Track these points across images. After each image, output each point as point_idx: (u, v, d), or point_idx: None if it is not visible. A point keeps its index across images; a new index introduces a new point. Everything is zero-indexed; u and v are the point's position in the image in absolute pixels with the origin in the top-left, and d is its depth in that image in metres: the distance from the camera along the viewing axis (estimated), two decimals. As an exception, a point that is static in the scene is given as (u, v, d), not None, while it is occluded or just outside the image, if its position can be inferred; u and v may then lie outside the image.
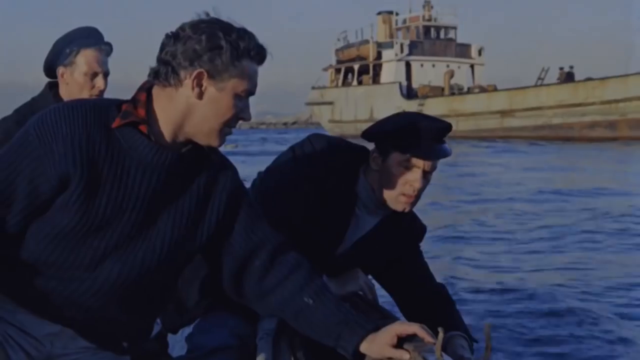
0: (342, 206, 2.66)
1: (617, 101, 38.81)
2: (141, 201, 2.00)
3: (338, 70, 56.43)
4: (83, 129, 1.93)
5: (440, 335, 1.99)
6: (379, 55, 52.84)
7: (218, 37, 1.94)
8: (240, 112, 2.02)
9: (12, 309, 2.03)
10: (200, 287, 2.52)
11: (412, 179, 2.55)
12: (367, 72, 53.34)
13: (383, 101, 49.24)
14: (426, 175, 2.58)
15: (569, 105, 40.53)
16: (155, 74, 1.99)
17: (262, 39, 2.09)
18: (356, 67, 54.18)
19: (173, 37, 1.97)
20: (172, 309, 2.54)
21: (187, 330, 2.54)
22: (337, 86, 55.76)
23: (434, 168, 2.59)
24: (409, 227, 2.82)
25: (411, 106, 46.00)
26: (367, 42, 53.58)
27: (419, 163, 2.54)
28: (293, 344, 2.41)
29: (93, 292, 2.01)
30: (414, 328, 2.11)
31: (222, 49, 1.94)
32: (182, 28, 1.98)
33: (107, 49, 3.24)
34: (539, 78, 46.35)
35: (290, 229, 2.41)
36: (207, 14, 2.02)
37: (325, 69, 58.29)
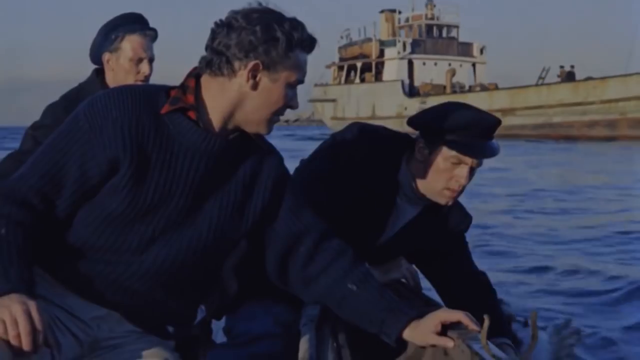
0: (383, 195, 2.62)
1: (616, 100, 38.92)
2: (189, 187, 2.00)
3: (341, 68, 56.35)
4: (132, 114, 1.94)
5: (486, 322, 1.95)
6: (381, 53, 52.79)
7: (273, 29, 1.93)
8: (290, 101, 2.03)
9: (61, 292, 2.02)
10: (244, 274, 2.50)
11: (459, 174, 2.52)
12: (370, 70, 53.41)
13: (385, 99, 49.54)
14: (472, 171, 2.54)
15: (569, 104, 40.61)
16: (208, 64, 1.98)
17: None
18: (359, 64, 54.18)
19: (226, 27, 1.95)
20: (216, 295, 2.53)
21: (231, 316, 2.52)
22: (339, 84, 55.73)
23: (480, 164, 2.55)
24: (452, 216, 2.77)
25: (413, 104, 46.09)
26: (369, 40, 53.59)
27: (468, 160, 2.50)
28: (335, 330, 2.41)
29: (139, 276, 2.01)
30: (458, 315, 2.09)
31: (278, 41, 1.93)
32: (234, 17, 1.96)
33: (152, 34, 3.24)
34: (540, 77, 46.42)
35: (331, 217, 2.35)
36: (259, 3, 2.00)
37: (328, 67, 58.28)
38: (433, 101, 46.08)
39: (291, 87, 2.02)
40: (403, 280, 2.82)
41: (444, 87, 48.97)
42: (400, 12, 55.74)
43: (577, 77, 43.40)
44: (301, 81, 2.04)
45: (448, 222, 2.75)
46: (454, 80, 49.42)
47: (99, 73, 3.29)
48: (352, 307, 2.15)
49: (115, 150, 1.92)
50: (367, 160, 2.58)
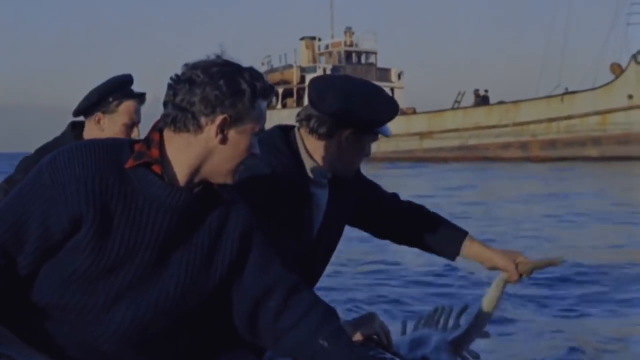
0: (303, 193, 2.61)
1: (528, 123, 40.29)
2: (154, 242, 1.95)
3: (263, 94, 56.48)
4: (96, 170, 1.89)
5: None
6: (302, 80, 53.12)
7: (237, 81, 1.93)
8: (253, 149, 2.01)
9: (28, 353, 1.93)
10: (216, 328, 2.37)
11: (368, 151, 2.66)
12: (291, 96, 53.78)
13: (307, 124, 49.86)
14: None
15: (484, 127, 41.74)
16: (172, 120, 1.94)
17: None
18: (280, 90, 54.21)
19: (187, 82, 1.92)
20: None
21: None
22: (261, 109, 55.83)
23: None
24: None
25: (334, 128, 46.62)
26: (290, 66, 54.19)
27: (376, 138, 2.65)
28: None
29: (107, 337, 1.95)
30: None
31: (244, 93, 1.93)
32: (194, 72, 1.92)
33: (143, 99, 3.25)
34: (456, 101, 47.53)
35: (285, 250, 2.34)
36: (217, 56, 1.98)
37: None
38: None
39: (255, 135, 2.00)
40: (375, 337, 2.77)
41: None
42: (320, 39, 56.49)
43: (491, 100, 44.76)
44: (262, 129, 2.04)
45: (353, 178, 2.80)
46: (374, 105, 50.07)
47: (75, 127, 3.28)
48: None
49: (78, 207, 1.86)
50: (278, 169, 2.54)
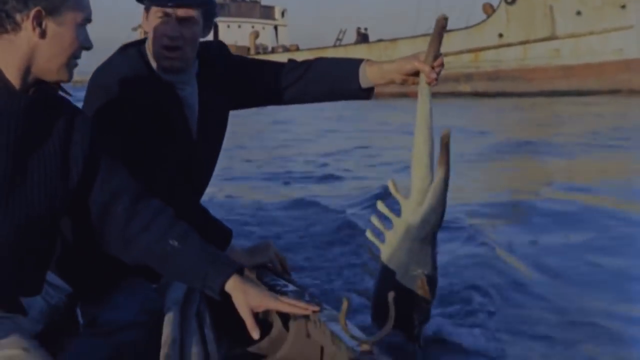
0: (167, 101, 2.55)
1: (406, 60, 41.20)
2: (5, 149, 1.88)
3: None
4: None
5: (345, 304, 1.93)
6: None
7: None
8: (83, 41, 1.95)
9: None
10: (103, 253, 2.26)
11: (164, 30, 2.48)
12: (175, 32, 53.07)
13: (191, 60, 49.51)
14: (184, 23, 2.48)
15: (364, 64, 42.43)
16: None
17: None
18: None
19: None
20: (80, 278, 2.43)
21: (96, 302, 2.39)
22: (146, 45, 54.99)
23: (188, 15, 2.48)
24: (213, 50, 2.72)
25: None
26: (174, 2, 53.31)
27: (169, 11, 2.48)
28: (199, 310, 2.35)
29: None
30: (280, 305, 2.11)
31: None
32: None
33: None
34: (337, 39, 48.15)
35: (140, 160, 2.35)
36: None
37: (135, 29, 57.29)
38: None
39: (80, 26, 1.93)
40: (270, 265, 2.73)
41: (248, 48, 49.49)
42: (203, -24, 55.71)
43: (371, 39, 45.46)
44: (89, 19, 1.96)
45: (221, 62, 2.71)
46: (258, 42, 50.24)
47: None
48: (175, 263, 2.08)
49: None
50: (133, 85, 2.47)
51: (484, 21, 39.08)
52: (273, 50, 50.32)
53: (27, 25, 1.87)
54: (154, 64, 2.54)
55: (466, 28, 39.64)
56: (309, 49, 46.87)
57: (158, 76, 2.53)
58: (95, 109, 2.42)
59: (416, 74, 2.49)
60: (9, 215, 1.90)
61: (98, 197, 2.06)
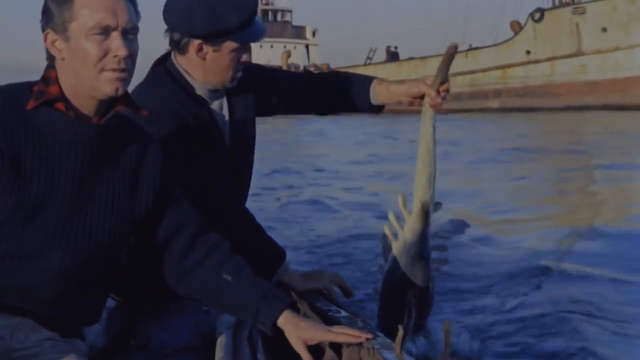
0: (201, 116, 2.57)
1: (435, 77, 41.70)
2: (72, 178, 1.85)
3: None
4: None
5: (400, 333, 1.91)
6: (220, 37, 53.70)
7: (45, 0, 1.83)
8: (113, 50, 1.79)
9: None
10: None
11: (242, 58, 2.55)
12: (209, 53, 54.12)
13: (226, 79, 50.61)
14: (248, 50, 2.59)
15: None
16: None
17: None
18: (200, 47, 54.71)
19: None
20: (136, 297, 2.46)
21: (150, 324, 2.41)
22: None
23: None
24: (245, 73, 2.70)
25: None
26: (209, 24, 54.38)
27: (243, 45, 2.54)
28: (252, 335, 2.33)
29: (42, 281, 1.87)
30: (330, 337, 2.08)
31: (49, 3, 1.81)
32: None
33: None
34: (368, 57, 48.71)
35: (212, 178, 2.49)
36: None
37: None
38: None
39: (99, 35, 1.78)
40: (325, 291, 2.71)
41: (281, 67, 50.24)
42: (236, -2, 56.74)
43: (401, 56, 46.14)
44: (111, 25, 1.78)
45: (249, 78, 2.71)
46: (290, 61, 50.94)
47: None
48: (228, 297, 2.06)
49: None
50: (171, 100, 2.51)
51: (511, 38, 39.58)
52: (304, 69, 51.18)
53: (50, 47, 1.84)
54: (195, 84, 2.56)
55: (494, 45, 40.17)
56: (339, 68, 47.64)
57: (192, 93, 2.56)
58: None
59: (423, 96, 2.59)
60: (72, 244, 1.88)
61: (162, 229, 2.06)
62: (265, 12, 55.11)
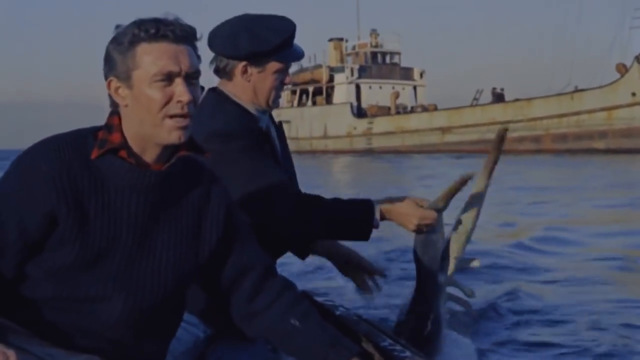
0: (262, 137, 2.66)
1: (540, 118, 42.16)
2: (134, 226, 1.87)
3: (294, 92, 58.25)
4: (62, 165, 1.79)
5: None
6: (331, 79, 55.31)
7: (107, 48, 1.82)
8: (177, 96, 1.78)
9: (37, 342, 1.85)
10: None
11: (284, 79, 2.67)
12: (321, 94, 55.69)
13: (336, 120, 52.48)
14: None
15: (500, 122, 43.29)
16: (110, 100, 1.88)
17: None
18: (310, 89, 56.37)
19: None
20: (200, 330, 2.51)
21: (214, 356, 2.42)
22: (293, 106, 57.62)
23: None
24: None
25: (361, 124, 49.89)
26: (320, 66, 56.05)
27: (285, 64, 2.66)
28: None
29: (110, 325, 1.88)
30: None
31: (112, 51, 1.81)
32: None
33: None
34: (474, 98, 49.31)
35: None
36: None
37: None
38: (380, 121, 49.27)
39: (161, 82, 1.78)
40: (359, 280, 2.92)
41: (389, 108, 51.78)
42: (347, 41, 58.33)
43: (507, 98, 46.59)
44: (173, 72, 1.78)
45: None
46: (398, 102, 52.39)
47: None
48: (296, 343, 2.05)
49: (49, 204, 1.78)
50: (235, 122, 2.59)
51: (617, 80, 39.50)
52: (412, 110, 52.24)
53: (114, 96, 1.84)
54: (247, 106, 2.66)
55: (600, 87, 40.22)
56: (446, 109, 48.52)
57: (248, 112, 2.65)
58: (229, 158, 2.49)
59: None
60: (133, 290, 1.88)
61: (228, 272, 2.04)
62: (374, 54, 56.17)
